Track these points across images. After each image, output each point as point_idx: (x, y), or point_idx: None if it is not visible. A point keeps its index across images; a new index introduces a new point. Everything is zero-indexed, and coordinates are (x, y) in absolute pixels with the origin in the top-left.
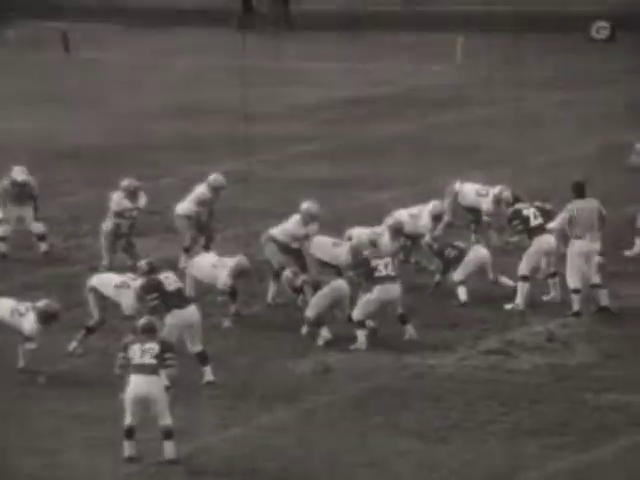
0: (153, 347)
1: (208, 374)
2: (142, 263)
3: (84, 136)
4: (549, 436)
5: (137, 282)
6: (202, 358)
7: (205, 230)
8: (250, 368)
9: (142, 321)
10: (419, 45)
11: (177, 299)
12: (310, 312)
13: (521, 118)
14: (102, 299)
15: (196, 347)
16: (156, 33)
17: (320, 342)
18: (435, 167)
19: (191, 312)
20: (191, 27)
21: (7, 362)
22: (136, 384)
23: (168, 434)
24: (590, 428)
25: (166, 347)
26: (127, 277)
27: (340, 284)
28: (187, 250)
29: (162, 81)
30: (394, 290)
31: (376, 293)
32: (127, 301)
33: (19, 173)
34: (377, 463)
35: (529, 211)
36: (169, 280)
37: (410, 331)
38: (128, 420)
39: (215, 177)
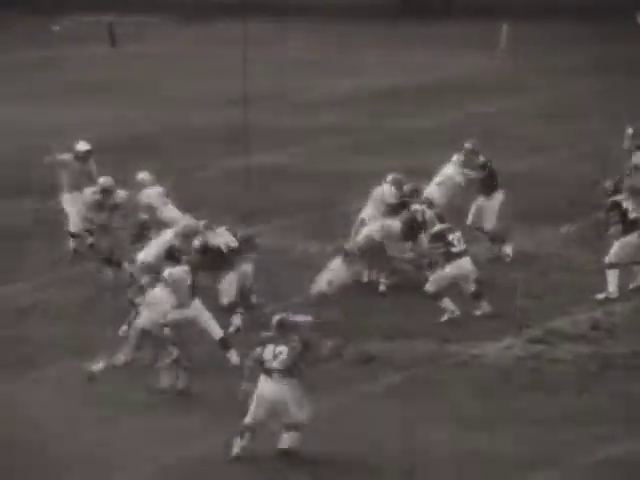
0: (283, 351)
1: None
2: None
3: (128, 128)
4: (595, 425)
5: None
6: None
7: None
8: None
9: (278, 318)
10: (461, 34)
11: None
12: (431, 287)
13: (564, 106)
14: None
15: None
16: (198, 25)
17: (445, 318)
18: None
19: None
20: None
21: None
22: (266, 387)
23: (294, 427)
24: (636, 417)
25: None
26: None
27: (464, 262)
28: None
29: (203, 72)
30: (467, 265)
31: (450, 269)
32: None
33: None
34: (419, 451)
35: (628, 203)
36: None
37: (484, 307)
38: (248, 419)
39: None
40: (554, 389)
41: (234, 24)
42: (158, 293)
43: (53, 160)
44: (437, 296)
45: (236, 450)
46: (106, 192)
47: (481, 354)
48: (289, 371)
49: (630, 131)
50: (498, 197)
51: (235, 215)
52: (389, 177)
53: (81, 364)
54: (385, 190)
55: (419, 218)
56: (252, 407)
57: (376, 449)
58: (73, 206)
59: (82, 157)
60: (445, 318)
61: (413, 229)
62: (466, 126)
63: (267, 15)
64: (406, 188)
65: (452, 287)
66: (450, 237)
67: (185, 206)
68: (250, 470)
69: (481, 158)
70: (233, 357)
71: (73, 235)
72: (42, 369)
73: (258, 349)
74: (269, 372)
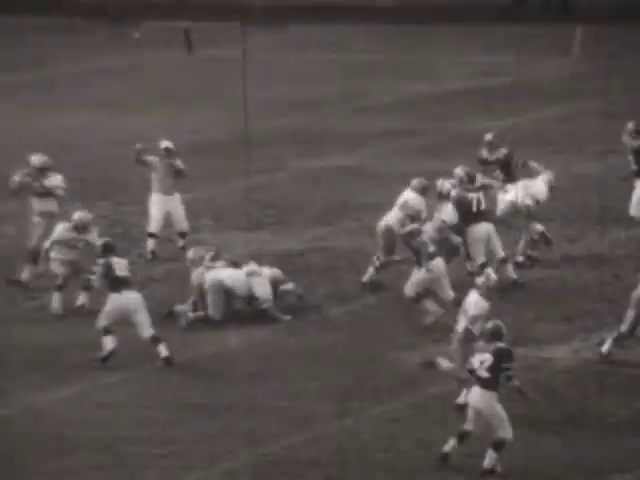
0: (487, 359)
1: None
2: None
3: (203, 132)
4: None
5: (267, 270)
6: None
7: None
8: (362, 360)
9: (491, 325)
10: (533, 36)
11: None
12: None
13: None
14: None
15: None
16: (271, 29)
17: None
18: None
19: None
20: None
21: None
22: (473, 394)
23: (498, 445)
24: None
25: (503, 354)
26: (250, 266)
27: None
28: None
29: (276, 76)
30: (440, 265)
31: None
32: (263, 289)
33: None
34: (483, 453)
35: None
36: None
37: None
38: (467, 426)
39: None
40: (625, 393)
41: (309, 27)
42: None
43: (141, 156)
44: (417, 299)
45: (447, 448)
46: None
47: (550, 357)
48: (490, 382)
49: (630, 126)
50: None
51: (305, 216)
52: (413, 182)
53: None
54: (407, 195)
55: (474, 207)
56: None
57: (439, 452)
58: (157, 207)
59: (167, 155)
60: (429, 321)
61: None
62: (531, 129)
63: (336, 18)
64: (461, 173)
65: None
66: (423, 237)
67: (257, 207)
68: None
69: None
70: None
71: (152, 235)
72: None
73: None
74: (478, 380)
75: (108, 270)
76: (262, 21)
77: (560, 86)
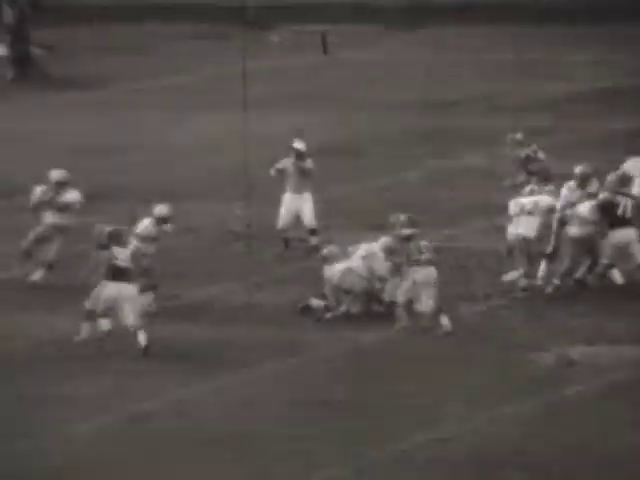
0: None
1: None
2: None
3: (338, 133)
4: None
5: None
6: None
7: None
8: (492, 360)
9: None
10: None
11: None
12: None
13: None
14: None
15: None
16: (406, 31)
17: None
18: None
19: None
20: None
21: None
22: None
23: None
24: None
25: None
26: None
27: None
28: None
29: (412, 77)
30: (432, 274)
31: (417, 276)
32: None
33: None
34: (616, 458)
35: None
36: None
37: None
38: None
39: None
40: None
41: (443, 29)
42: None
43: (275, 172)
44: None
45: None
46: None
47: None
48: None
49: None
50: None
51: (436, 216)
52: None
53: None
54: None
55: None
56: None
57: (575, 452)
58: (286, 206)
59: (297, 155)
60: (398, 327)
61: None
62: None
63: (477, 19)
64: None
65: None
66: (420, 243)
67: (389, 207)
68: None
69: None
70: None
71: (281, 232)
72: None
73: None
74: None
75: (110, 259)
76: (399, 23)
77: None
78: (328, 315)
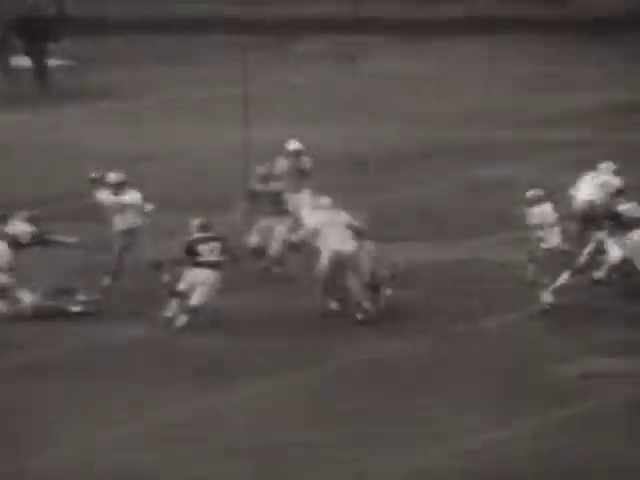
0: None
1: None
2: None
3: (365, 143)
4: None
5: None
6: None
7: None
8: (515, 372)
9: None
10: None
11: None
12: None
13: None
14: None
15: None
16: (421, 44)
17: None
18: None
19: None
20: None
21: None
22: None
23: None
24: None
25: None
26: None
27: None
28: None
29: (427, 89)
30: (210, 276)
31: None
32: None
33: None
34: (637, 472)
35: None
36: None
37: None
38: None
39: None
40: None
41: (474, 40)
42: None
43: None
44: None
45: None
46: None
47: None
48: None
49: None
50: None
51: (461, 227)
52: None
53: None
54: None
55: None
56: None
57: (595, 465)
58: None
59: (296, 155)
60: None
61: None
62: None
63: (510, 30)
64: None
65: None
66: (201, 247)
67: (415, 217)
68: None
69: None
70: None
71: None
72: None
73: None
74: None
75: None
76: (416, 35)
77: None
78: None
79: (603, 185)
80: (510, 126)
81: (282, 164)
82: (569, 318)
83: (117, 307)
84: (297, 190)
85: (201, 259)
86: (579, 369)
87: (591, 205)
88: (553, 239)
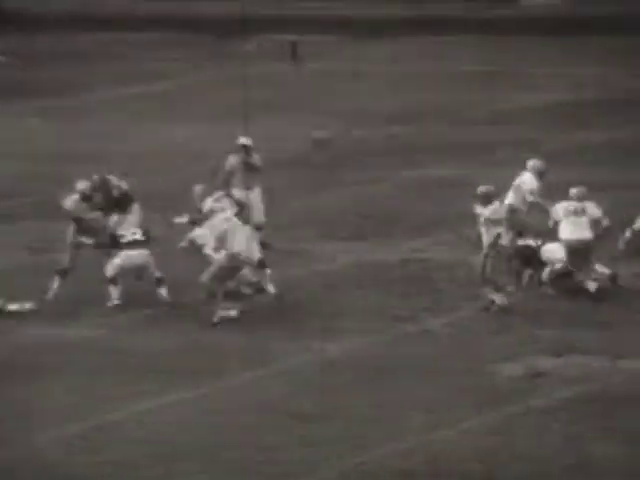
0: None
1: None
2: None
3: (304, 142)
4: None
5: None
6: None
7: None
8: (460, 372)
9: None
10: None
11: None
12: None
13: None
14: None
15: None
16: (370, 42)
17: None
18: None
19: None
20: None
21: None
22: None
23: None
24: None
25: None
26: None
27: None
28: None
29: (375, 87)
30: (139, 258)
31: (120, 258)
32: None
33: None
34: (583, 467)
35: None
36: None
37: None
38: None
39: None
40: None
41: (408, 40)
42: None
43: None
44: (111, 281)
45: None
46: None
47: None
48: None
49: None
50: None
51: (404, 227)
52: (530, 163)
53: None
54: (526, 178)
55: None
56: None
57: (539, 463)
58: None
59: (246, 151)
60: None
61: None
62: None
63: (439, 30)
64: None
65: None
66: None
67: (357, 218)
68: None
69: None
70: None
71: None
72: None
73: None
74: None
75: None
76: (366, 34)
77: None
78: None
79: (518, 187)
80: (456, 125)
81: (232, 160)
82: (513, 318)
83: (57, 307)
84: (248, 186)
85: (125, 240)
86: (523, 368)
87: (510, 209)
88: (507, 236)
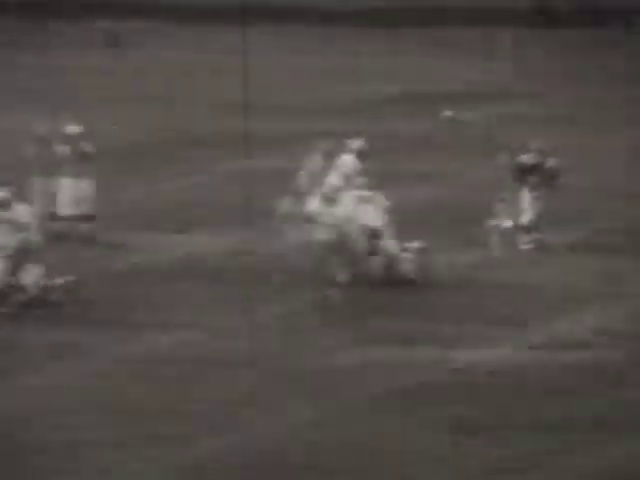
0: None
1: None
2: None
3: (128, 134)
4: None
5: None
6: None
7: None
8: (289, 362)
9: None
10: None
11: None
12: None
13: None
14: None
15: None
16: (196, 29)
17: None
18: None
19: None
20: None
21: None
22: None
23: None
24: None
25: None
26: None
27: None
28: None
29: (202, 77)
30: None
31: None
32: None
33: None
34: (412, 454)
35: None
36: None
37: None
38: None
39: None
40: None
41: (233, 29)
42: None
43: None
44: None
45: None
46: None
47: (480, 361)
48: None
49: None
50: None
51: (232, 219)
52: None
53: None
54: (346, 160)
55: None
56: None
57: (362, 455)
58: (68, 193)
59: (76, 139)
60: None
61: None
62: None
63: (267, 20)
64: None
65: None
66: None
67: (184, 209)
68: None
69: None
70: None
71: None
72: None
73: None
74: None
75: None
76: (189, 21)
77: (482, 89)
78: None
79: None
80: (290, 117)
81: (61, 149)
82: (345, 309)
83: None
84: (77, 175)
85: None
86: (355, 358)
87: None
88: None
